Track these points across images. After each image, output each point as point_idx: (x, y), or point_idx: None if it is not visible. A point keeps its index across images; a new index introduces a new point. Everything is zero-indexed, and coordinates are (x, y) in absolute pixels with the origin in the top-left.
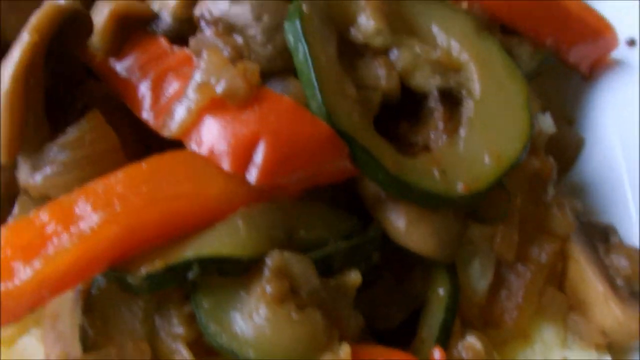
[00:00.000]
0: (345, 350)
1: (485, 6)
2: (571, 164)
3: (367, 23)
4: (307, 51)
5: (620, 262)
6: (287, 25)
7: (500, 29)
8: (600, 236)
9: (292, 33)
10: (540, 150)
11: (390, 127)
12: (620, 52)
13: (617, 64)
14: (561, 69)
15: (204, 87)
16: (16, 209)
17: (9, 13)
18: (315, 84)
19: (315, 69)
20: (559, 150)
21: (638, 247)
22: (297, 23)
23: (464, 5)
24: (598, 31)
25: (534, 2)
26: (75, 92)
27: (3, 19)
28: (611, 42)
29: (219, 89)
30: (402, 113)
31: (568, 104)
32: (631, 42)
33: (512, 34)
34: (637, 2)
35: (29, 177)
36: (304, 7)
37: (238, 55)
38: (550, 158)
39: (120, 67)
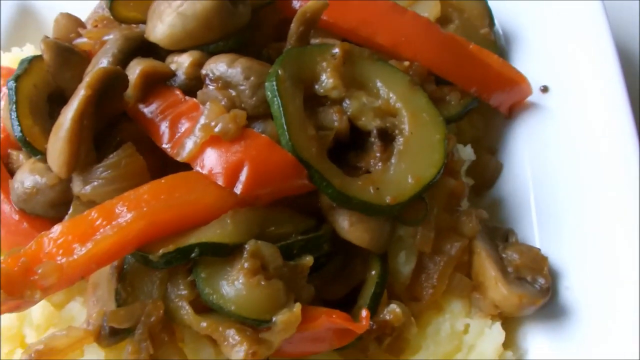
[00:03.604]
0: (297, 307)
1: (423, 64)
2: (492, 183)
3: (326, 81)
4: (279, 104)
5: (513, 256)
6: (267, 84)
7: (434, 81)
8: (501, 237)
9: (270, 90)
10: (458, 173)
11: (342, 155)
12: (536, 97)
13: (532, 106)
14: (489, 110)
15: (206, 127)
16: (71, 210)
17: (64, 69)
18: (285, 126)
19: (285, 116)
20: (482, 173)
21: (533, 246)
22: (274, 83)
23: (406, 63)
24: (514, 81)
25: (462, 60)
26: (115, 130)
27: (60, 74)
28: (526, 90)
29: (217, 129)
30: (352, 145)
31: (492, 137)
32: (544, 89)
33: (445, 84)
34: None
35: (81, 188)
36: (280, 72)
37: (232, 104)
38: (465, 180)
39: (147, 110)
